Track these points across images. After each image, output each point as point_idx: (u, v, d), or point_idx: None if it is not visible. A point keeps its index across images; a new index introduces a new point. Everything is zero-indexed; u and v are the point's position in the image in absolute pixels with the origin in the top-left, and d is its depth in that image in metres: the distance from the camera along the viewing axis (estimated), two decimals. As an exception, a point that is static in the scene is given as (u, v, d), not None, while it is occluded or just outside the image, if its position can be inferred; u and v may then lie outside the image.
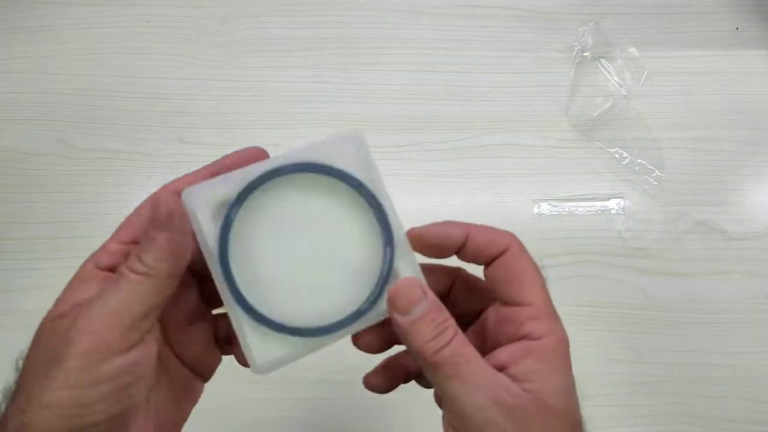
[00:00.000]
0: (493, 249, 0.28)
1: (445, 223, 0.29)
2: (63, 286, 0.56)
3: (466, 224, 0.29)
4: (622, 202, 0.59)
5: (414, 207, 0.57)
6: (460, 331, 0.26)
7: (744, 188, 0.60)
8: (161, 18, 0.66)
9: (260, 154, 0.28)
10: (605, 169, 0.60)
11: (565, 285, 0.56)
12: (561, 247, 0.57)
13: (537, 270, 0.28)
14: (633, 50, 0.64)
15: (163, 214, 0.24)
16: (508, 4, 0.67)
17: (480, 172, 0.60)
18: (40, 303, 0.56)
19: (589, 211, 0.59)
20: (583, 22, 0.65)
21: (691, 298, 0.56)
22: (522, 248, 0.28)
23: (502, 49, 0.65)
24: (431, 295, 0.26)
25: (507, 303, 0.27)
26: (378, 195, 0.28)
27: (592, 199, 0.59)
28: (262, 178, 0.27)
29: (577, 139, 0.61)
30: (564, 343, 0.26)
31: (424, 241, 0.29)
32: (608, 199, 0.59)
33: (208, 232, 0.26)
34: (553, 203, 0.59)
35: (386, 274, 0.28)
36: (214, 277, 0.26)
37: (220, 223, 0.26)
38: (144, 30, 0.65)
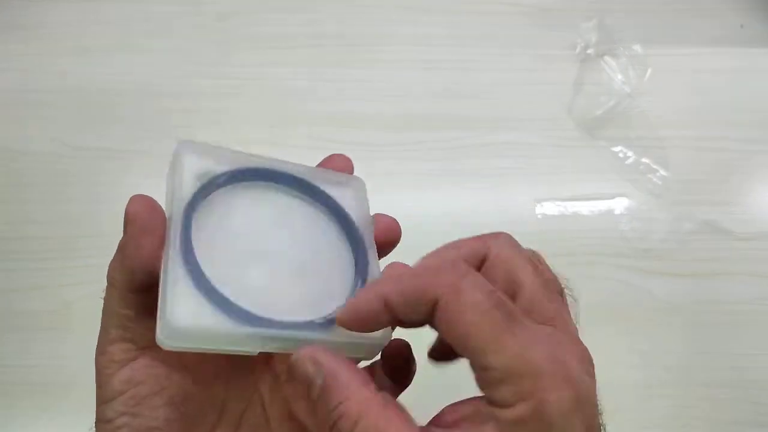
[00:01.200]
0: (422, 307, 0.20)
1: (361, 292, 0.23)
2: (57, 285, 0.56)
3: (384, 281, 0.22)
4: (626, 201, 0.58)
5: (415, 207, 0.57)
6: (368, 405, 0.19)
7: (750, 187, 0.59)
8: (157, 14, 0.65)
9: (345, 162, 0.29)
10: (609, 168, 0.60)
11: (567, 286, 0.55)
12: (564, 247, 0.57)
13: (492, 311, 0.19)
14: (637, 47, 0.63)
15: (125, 221, 0.22)
16: (510, 1, 0.66)
17: (482, 171, 0.59)
18: (35, 304, 0.55)
19: (593, 211, 0.58)
20: (587, 18, 0.64)
21: (696, 298, 0.55)
22: (458, 290, 0.19)
23: (505, 46, 0.64)
24: (328, 367, 0.20)
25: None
26: (364, 237, 0.27)
27: (596, 199, 0.58)
28: (261, 172, 0.26)
29: (580, 137, 0.61)
30: (544, 416, 0.18)
31: (354, 326, 0.23)
32: (612, 199, 0.58)
33: (186, 182, 0.24)
34: (557, 203, 0.58)
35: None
36: (169, 227, 0.23)
37: (202, 182, 0.24)
38: (139, 27, 0.65)
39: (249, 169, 0.26)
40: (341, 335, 0.23)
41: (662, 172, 0.59)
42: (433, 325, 0.21)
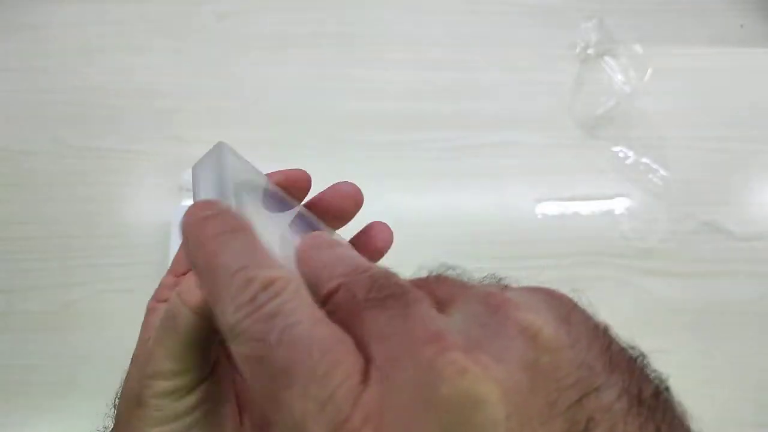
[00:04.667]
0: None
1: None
2: (58, 286, 0.56)
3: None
4: (626, 201, 0.58)
5: (415, 206, 0.56)
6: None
7: (750, 187, 0.59)
8: (157, 14, 0.65)
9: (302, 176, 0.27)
10: (609, 168, 0.59)
11: (568, 286, 0.55)
12: (564, 247, 0.57)
13: None
14: (637, 47, 0.63)
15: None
16: (510, 1, 0.66)
17: (482, 171, 0.59)
18: (35, 304, 0.55)
19: (593, 211, 0.58)
20: (587, 18, 0.64)
21: (696, 298, 0.55)
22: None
23: (505, 46, 0.64)
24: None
25: None
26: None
27: (596, 199, 0.58)
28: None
29: (580, 137, 0.61)
30: None
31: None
32: (612, 199, 0.58)
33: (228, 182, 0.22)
34: (557, 203, 0.58)
35: None
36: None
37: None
38: (139, 27, 0.64)
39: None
40: None
41: (662, 172, 0.59)
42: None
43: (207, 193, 0.22)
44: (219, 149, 0.24)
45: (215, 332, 0.21)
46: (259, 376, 0.15)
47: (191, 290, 0.21)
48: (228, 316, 0.15)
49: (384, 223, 0.28)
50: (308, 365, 0.14)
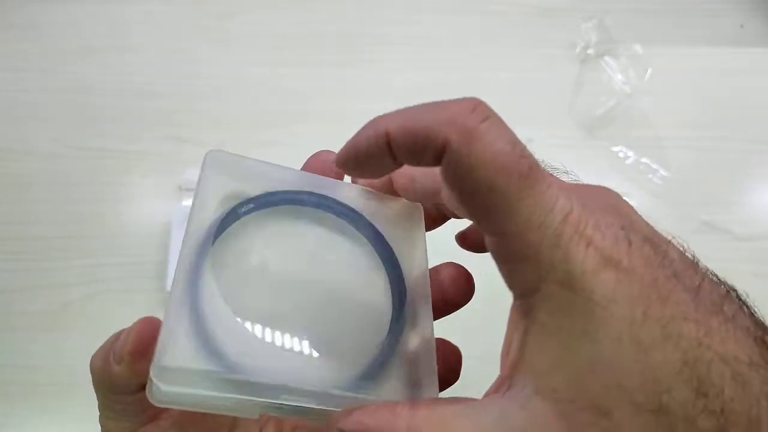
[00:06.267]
0: (428, 150, 0.16)
1: (362, 128, 0.18)
2: (59, 286, 0.55)
3: (388, 116, 0.18)
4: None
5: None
6: None
7: (750, 188, 0.59)
8: (157, 15, 0.65)
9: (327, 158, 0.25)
10: (609, 169, 0.59)
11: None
12: (564, 247, 0.57)
13: (516, 164, 0.16)
14: (637, 47, 0.63)
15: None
16: (510, 1, 0.66)
17: (482, 171, 0.59)
18: (35, 304, 0.55)
19: (593, 210, 0.58)
20: (587, 18, 0.64)
21: (696, 299, 0.55)
22: (474, 135, 0.15)
23: (505, 46, 0.64)
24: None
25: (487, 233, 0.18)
26: (416, 288, 0.23)
27: (596, 199, 0.58)
28: (295, 197, 0.23)
29: (580, 137, 0.61)
30: (588, 303, 0.15)
31: (353, 168, 0.20)
32: (612, 199, 0.58)
33: (208, 207, 0.22)
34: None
35: (381, 361, 0.21)
36: (181, 260, 0.20)
37: (227, 209, 0.22)
38: (140, 27, 0.64)
39: (281, 192, 0.23)
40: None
41: (662, 172, 0.59)
42: (442, 175, 0.17)
43: (196, 207, 0.22)
44: (204, 161, 0.23)
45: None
46: None
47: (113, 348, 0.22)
48: None
49: (459, 266, 0.24)
50: None
